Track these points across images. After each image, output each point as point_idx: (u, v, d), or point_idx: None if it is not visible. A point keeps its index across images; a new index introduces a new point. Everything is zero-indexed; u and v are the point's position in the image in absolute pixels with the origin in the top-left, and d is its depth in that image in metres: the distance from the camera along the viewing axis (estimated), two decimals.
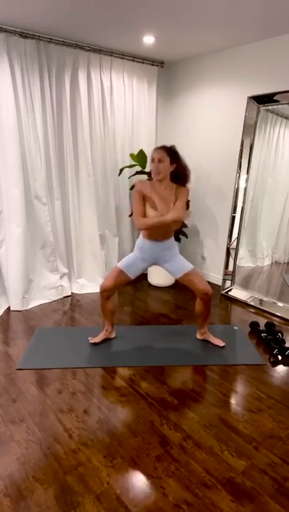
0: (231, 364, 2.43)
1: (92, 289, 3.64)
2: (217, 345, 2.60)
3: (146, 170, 3.61)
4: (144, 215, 2.29)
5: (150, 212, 2.27)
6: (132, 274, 2.44)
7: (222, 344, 2.60)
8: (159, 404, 2.05)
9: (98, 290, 3.89)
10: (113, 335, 2.71)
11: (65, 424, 1.89)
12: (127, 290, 3.77)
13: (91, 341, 2.62)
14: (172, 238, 2.46)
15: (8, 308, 3.25)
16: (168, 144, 2.16)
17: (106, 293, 2.46)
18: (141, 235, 2.45)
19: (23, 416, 1.94)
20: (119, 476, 1.59)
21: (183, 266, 2.42)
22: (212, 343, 2.63)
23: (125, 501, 1.48)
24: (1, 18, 2.63)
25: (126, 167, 3.63)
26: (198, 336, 2.70)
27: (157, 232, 2.34)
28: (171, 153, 2.22)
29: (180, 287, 3.86)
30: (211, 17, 2.56)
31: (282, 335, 2.75)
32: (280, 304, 3.29)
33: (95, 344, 2.61)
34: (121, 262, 2.45)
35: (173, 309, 3.34)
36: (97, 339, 2.64)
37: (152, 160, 2.22)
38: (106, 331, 2.66)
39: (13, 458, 1.68)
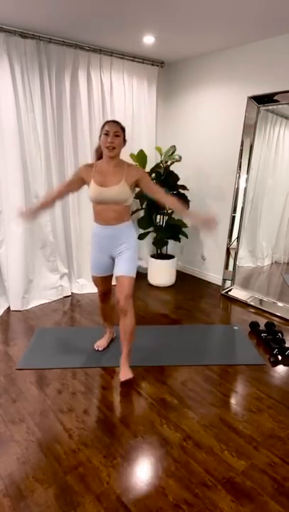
0: (231, 364, 2.43)
1: (92, 289, 3.63)
2: (120, 377, 2.21)
3: (147, 170, 3.61)
4: (67, 187, 2.21)
5: (93, 186, 2.08)
6: (102, 271, 2.27)
7: (123, 379, 2.19)
8: (159, 404, 2.05)
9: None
10: (114, 335, 2.69)
11: (65, 424, 1.89)
12: None
13: (100, 349, 2.55)
14: (130, 223, 2.20)
15: (8, 308, 3.25)
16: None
17: (104, 296, 2.43)
18: (94, 221, 2.23)
19: (23, 416, 1.94)
20: (119, 476, 1.59)
21: (129, 268, 2.15)
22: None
23: (125, 501, 1.48)
24: (1, 18, 2.63)
25: None
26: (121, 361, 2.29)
27: (107, 213, 2.11)
28: (123, 128, 2.08)
29: (180, 287, 3.86)
30: (211, 17, 2.56)
31: (282, 335, 2.75)
32: (280, 304, 3.29)
33: (104, 349, 2.56)
34: (92, 269, 2.32)
35: (173, 309, 3.34)
36: (104, 343, 2.58)
37: (106, 133, 2.01)
38: (109, 332, 2.63)
39: (13, 458, 1.68)
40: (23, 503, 1.46)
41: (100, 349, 2.54)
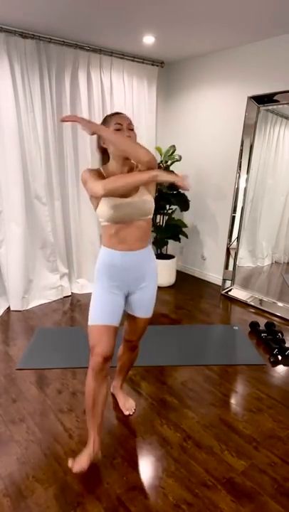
0: (231, 364, 2.43)
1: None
2: (125, 411, 1.98)
3: None
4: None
5: (113, 201, 1.50)
6: (116, 318, 1.60)
7: (127, 413, 1.97)
8: (159, 404, 2.05)
9: None
10: (99, 455, 1.64)
11: (65, 424, 1.89)
12: None
13: (77, 471, 1.54)
14: (150, 248, 1.69)
15: (8, 308, 3.25)
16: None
17: (100, 364, 1.56)
18: (102, 245, 1.63)
19: (23, 416, 1.94)
20: (119, 476, 1.59)
21: (150, 309, 1.74)
22: (118, 403, 2.03)
23: (125, 501, 1.48)
24: (1, 18, 2.63)
25: None
26: (111, 389, 2.09)
27: (129, 234, 1.55)
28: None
29: (180, 287, 3.86)
30: (211, 17, 2.56)
31: (282, 335, 2.75)
32: (280, 304, 3.29)
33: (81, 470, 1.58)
34: (92, 316, 1.60)
35: (173, 309, 3.34)
36: (84, 463, 1.55)
37: (119, 128, 1.49)
38: (94, 442, 1.59)
39: (13, 458, 1.68)
40: (23, 503, 1.46)
41: (76, 471, 1.54)
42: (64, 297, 3.51)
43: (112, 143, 1.50)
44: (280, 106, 3.09)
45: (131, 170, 1.59)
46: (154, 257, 1.71)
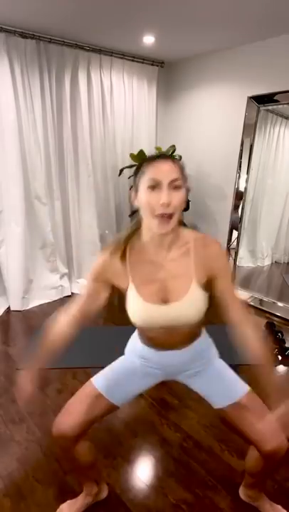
0: (231, 364, 2.42)
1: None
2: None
3: None
4: (84, 307, 1.17)
5: (136, 303, 1.09)
6: (120, 400, 1.23)
7: None
8: (159, 404, 2.05)
9: None
10: (105, 493, 1.49)
11: None
12: None
13: None
14: (203, 338, 1.26)
15: (8, 308, 3.24)
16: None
17: (63, 441, 1.18)
18: (136, 334, 1.28)
19: (23, 416, 1.94)
20: (119, 476, 1.59)
21: (231, 387, 1.23)
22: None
23: (125, 501, 1.48)
24: (1, 18, 2.63)
25: (126, 167, 3.63)
26: (241, 495, 1.48)
27: (167, 339, 1.16)
28: (183, 170, 1.05)
29: None
30: (211, 17, 2.56)
31: (282, 335, 2.75)
32: (280, 304, 3.29)
33: None
34: (100, 376, 1.26)
35: None
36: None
37: (154, 185, 0.99)
38: (87, 495, 1.42)
39: (13, 458, 1.68)
40: (23, 503, 1.46)
41: None
42: (64, 297, 3.51)
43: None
44: (280, 106, 3.09)
45: (174, 246, 1.10)
46: (209, 340, 1.28)
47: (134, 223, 1.14)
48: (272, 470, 1.31)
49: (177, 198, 1.00)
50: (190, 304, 1.08)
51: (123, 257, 1.11)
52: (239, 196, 3.49)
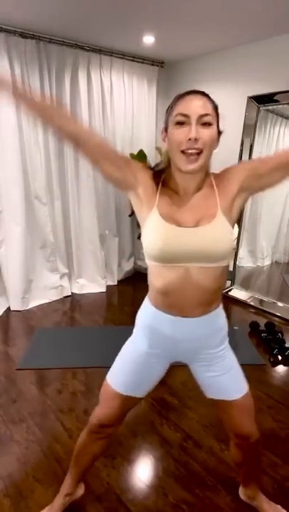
0: None
1: (92, 289, 3.64)
2: None
3: None
4: (106, 150, 1.07)
5: (166, 229, 1.00)
6: (141, 390, 1.21)
7: None
8: (159, 404, 2.05)
9: (99, 290, 3.98)
10: (81, 491, 1.46)
11: (65, 424, 1.89)
12: (127, 290, 3.77)
13: None
14: (220, 310, 1.17)
15: (8, 308, 3.24)
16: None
17: (105, 430, 1.26)
18: (147, 299, 1.18)
19: (23, 416, 1.94)
20: (119, 476, 1.59)
21: (239, 382, 1.21)
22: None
23: (125, 501, 1.48)
24: (1, 18, 2.63)
25: None
26: (241, 496, 1.49)
27: (185, 291, 1.04)
28: (215, 105, 1.07)
29: None
30: (211, 17, 2.56)
31: (282, 335, 2.75)
32: (280, 304, 3.29)
33: None
34: (114, 377, 1.21)
35: None
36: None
37: (183, 121, 0.97)
38: (66, 495, 1.39)
39: (13, 458, 1.68)
40: (23, 503, 1.47)
41: None
42: (64, 297, 3.51)
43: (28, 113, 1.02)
44: (280, 106, 3.09)
45: (202, 185, 1.05)
46: (224, 321, 1.19)
47: (164, 162, 1.09)
48: (253, 459, 1.33)
49: (207, 134, 0.95)
50: (217, 229, 0.99)
51: (155, 178, 1.06)
52: None
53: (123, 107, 3.64)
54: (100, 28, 2.82)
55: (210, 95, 1.05)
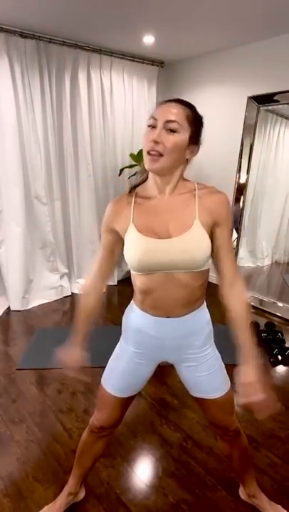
0: (231, 364, 2.42)
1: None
2: None
3: None
4: (107, 263, 1.18)
5: (136, 240, 1.05)
6: (131, 390, 1.26)
7: None
8: (159, 404, 2.05)
9: None
10: (83, 493, 1.48)
11: (65, 424, 1.89)
12: (127, 290, 3.76)
13: None
14: (203, 307, 1.20)
15: (8, 308, 3.24)
16: None
17: (105, 431, 1.30)
18: (132, 301, 1.24)
19: (23, 416, 1.94)
20: (119, 476, 1.59)
21: (221, 381, 1.25)
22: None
23: (125, 501, 1.48)
24: (1, 18, 2.63)
25: (126, 167, 3.63)
26: (241, 495, 1.50)
27: (166, 294, 1.09)
28: (195, 118, 1.08)
29: None
30: (211, 17, 2.56)
31: (282, 335, 2.75)
32: (280, 304, 3.29)
33: None
34: (108, 380, 1.28)
35: None
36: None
37: (152, 124, 1.01)
38: (69, 494, 1.41)
39: (13, 458, 1.68)
40: (23, 503, 1.46)
41: None
42: (64, 297, 3.51)
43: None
44: (280, 106, 3.09)
45: (177, 192, 1.08)
46: (208, 318, 1.21)
47: (141, 172, 1.15)
48: (240, 450, 1.35)
49: (169, 140, 0.99)
50: (193, 240, 1.03)
51: (128, 199, 1.10)
52: (239, 196, 3.50)
53: (123, 107, 3.64)
54: (100, 28, 2.82)
55: (194, 106, 1.08)
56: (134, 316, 1.19)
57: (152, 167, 1.01)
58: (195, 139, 1.06)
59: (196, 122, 1.06)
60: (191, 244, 1.03)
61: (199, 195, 1.07)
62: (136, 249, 1.05)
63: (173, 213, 1.05)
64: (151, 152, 1.00)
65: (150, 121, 1.01)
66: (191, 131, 1.04)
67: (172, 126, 0.99)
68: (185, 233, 1.02)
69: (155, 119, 1.00)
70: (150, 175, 1.09)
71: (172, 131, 0.99)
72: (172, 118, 0.99)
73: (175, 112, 1.00)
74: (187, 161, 1.09)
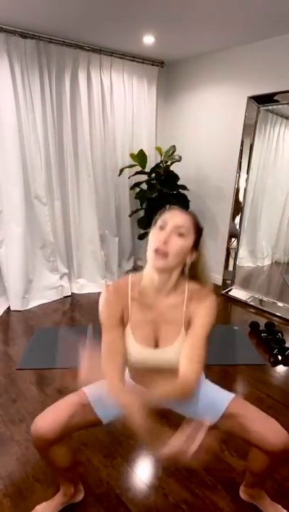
0: (231, 364, 2.42)
1: (92, 289, 3.64)
2: None
3: (147, 170, 3.61)
4: (117, 347, 1.17)
5: (131, 344, 1.18)
6: (106, 417, 1.26)
7: None
8: None
9: (99, 290, 3.94)
10: (81, 496, 1.47)
11: None
12: None
13: None
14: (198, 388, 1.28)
15: (8, 308, 3.24)
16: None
17: (39, 441, 1.16)
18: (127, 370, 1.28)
19: (23, 416, 1.94)
20: (119, 476, 1.59)
21: (218, 402, 1.23)
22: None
23: (125, 501, 1.47)
24: (1, 18, 2.63)
25: (126, 167, 3.63)
26: (241, 495, 1.49)
27: (156, 378, 1.12)
28: (199, 228, 1.19)
29: None
30: (211, 17, 2.56)
31: (282, 335, 2.75)
32: (280, 304, 3.29)
33: None
34: (94, 387, 1.23)
35: None
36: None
37: (162, 226, 1.13)
38: (64, 495, 1.41)
39: (13, 458, 1.68)
40: (23, 503, 1.46)
41: None
42: (64, 297, 3.51)
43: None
44: (280, 106, 3.09)
45: (173, 294, 1.19)
46: (204, 387, 1.30)
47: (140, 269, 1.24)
48: (275, 468, 1.37)
49: (176, 243, 1.11)
50: (177, 351, 1.15)
51: (125, 289, 1.20)
52: (239, 196, 3.50)
53: (123, 107, 3.64)
54: (100, 28, 2.82)
55: (197, 216, 1.21)
56: (129, 380, 1.31)
57: (157, 264, 1.11)
58: (196, 245, 1.19)
59: (199, 230, 1.19)
60: (177, 355, 1.15)
61: (188, 300, 1.18)
62: (130, 354, 1.18)
63: (164, 317, 1.18)
64: (158, 251, 1.10)
65: (160, 222, 1.14)
66: (195, 238, 1.17)
67: (182, 231, 1.12)
68: (172, 344, 1.17)
69: (165, 222, 1.13)
70: (147, 271, 1.18)
71: (181, 235, 1.12)
72: (182, 223, 1.13)
73: (184, 218, 1.15)
74: (185, 265, 1.19)
